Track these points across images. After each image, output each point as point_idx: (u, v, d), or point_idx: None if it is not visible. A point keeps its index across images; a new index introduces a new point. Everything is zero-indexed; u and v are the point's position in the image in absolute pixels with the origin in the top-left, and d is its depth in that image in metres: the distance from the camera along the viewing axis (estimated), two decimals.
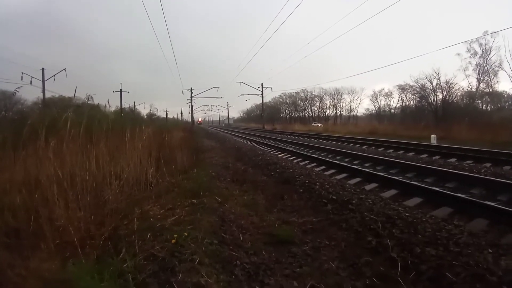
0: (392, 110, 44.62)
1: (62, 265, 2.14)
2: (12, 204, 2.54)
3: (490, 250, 2.46)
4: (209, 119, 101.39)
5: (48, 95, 24.40)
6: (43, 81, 26.95)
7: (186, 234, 2.63)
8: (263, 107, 47.43)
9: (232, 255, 2.57)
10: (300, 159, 9.01)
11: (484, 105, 32.59)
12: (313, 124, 44.17)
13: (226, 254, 2.56)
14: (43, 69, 27.22)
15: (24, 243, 2.31)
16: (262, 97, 43.32)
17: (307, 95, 57.17)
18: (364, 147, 12.09)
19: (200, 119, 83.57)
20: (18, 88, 3.85)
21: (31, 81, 24.81)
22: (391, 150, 10.54)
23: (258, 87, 42.07)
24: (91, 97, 4.41)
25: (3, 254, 2.13)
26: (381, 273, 2.36)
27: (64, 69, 25.76)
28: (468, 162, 7.51)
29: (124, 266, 2.09)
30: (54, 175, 2.71)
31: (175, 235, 2.56)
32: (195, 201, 3.74)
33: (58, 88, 28.49)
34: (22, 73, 24.07)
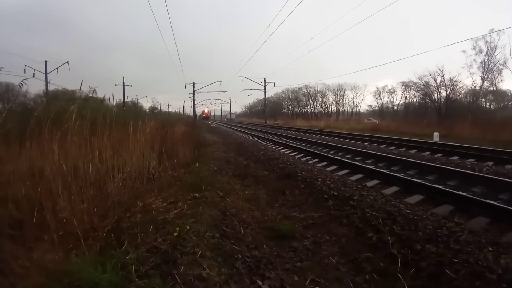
0: (395, 107, 44.41)
1: (65, 256, 2.16)
2: (16, 196, 2.55)
3: (490, 248, 2.46)
4: (211, 114, 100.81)
5: (50, 87, 24.43)
6: (46, 73, 26.86)
7: (188, 227, 2.65)
8: (265, 102, 47.37)
9: (234, 249, 2.59)
10: (302, 154, 9.01)
11: (488, 104, 32.45)
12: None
13: (227, 247, 2.58)
14: (46, 61, 27.15)
15: (27, 234, 2.33)
16: (265, 92, 43.22)
17: (309, 90, 56.83)
18: (366, 143, 12.06)
19: (207, 110, 75.78)
20: (24, 80, 3.81)
21: (33, 74, 24.79)
22: (394, 147, 10.52)
23: (261, 82, 41.84)
24: (95, 90, 4.38)
25: (7, 245, 2.15)
26: (381, 268, 2.38)
27: (67, 61, 25.76)
28: (470, 160, 7.49)
29: (127, 258, 2.11)
30: (58, 167, 2.72)
31: (177, 228, 2.58)
32: (197, 195, 3.76)
33: (59, 80, 28.43)
34: (25, 65, 24.05)
